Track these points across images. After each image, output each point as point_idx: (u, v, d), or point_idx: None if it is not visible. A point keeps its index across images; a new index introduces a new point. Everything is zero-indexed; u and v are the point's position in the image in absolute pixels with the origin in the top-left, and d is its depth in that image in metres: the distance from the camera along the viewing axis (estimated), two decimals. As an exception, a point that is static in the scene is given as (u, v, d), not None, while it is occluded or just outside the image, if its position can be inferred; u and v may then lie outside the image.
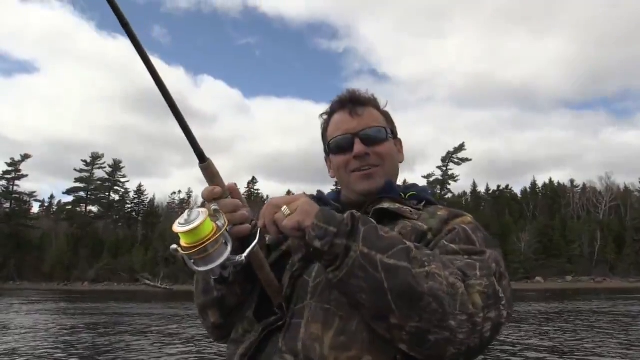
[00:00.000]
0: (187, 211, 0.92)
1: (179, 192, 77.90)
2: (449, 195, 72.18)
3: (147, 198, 79.32)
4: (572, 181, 76.10)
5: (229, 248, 0.96)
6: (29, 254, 68.57)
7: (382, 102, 1.35)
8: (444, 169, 70.94)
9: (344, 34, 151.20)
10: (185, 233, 0.90)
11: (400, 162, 1.36)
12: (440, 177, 70.68)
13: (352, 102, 1.30)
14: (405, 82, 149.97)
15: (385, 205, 1.19)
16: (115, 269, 63.55)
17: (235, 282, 1.15)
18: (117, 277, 62.79)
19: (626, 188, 74.25)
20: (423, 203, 1.25)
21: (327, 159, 1.37)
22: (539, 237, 60.18)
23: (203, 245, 0.91)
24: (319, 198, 1.28)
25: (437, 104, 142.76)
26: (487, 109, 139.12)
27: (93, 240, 68.80)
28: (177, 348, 11.38)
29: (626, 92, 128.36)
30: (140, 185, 79.83)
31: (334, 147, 1.30)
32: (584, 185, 74.97)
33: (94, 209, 77.71)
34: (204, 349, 10.99)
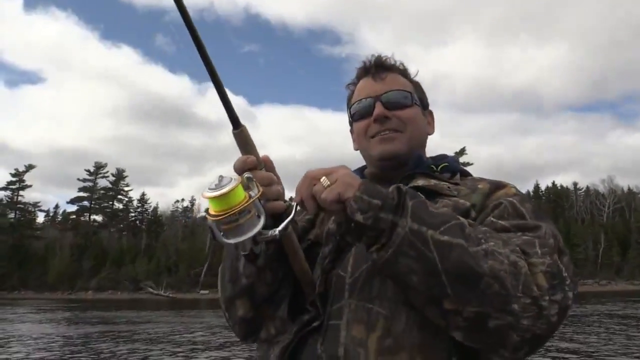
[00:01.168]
0: (218, 176, 0.83)
1: (182, 200, 77.89)
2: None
3: (151, 207, 79.46)
4: (575, 184, 76.05)
5: (262, 221, 0.85)
6: (34, 263, 68.63)
7: (412, 71, 1.26)
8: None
9: (347, 40, 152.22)
10: (215, 199, 0.81)
11: (430, 134, 1.26)
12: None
13: (376, 67, 1.21)
14: None
15: (420, 182, 1.08)
16: (118, 278, 63.51)
17: (265, 268, 1.02)
18: (121, 286, 62.70)
19: (630, 190, 74.12)
20: (457, 175, 1.16)
21: (351, 130, 1.27)
22: (542, 241, 59.95)
23: (233, 212, 0.81)
24: None
25: (439, 110, 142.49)
26: (490, 114, 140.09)
27: (97, 250, 68.82)
28: (184, 355, 11.41)
29: (631, 95, 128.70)
30: (143, 194, 79.97)
31: (355, 113, 1.21)
32: (587, 188, 74.88)
33: (98, 218, 77.88)
34: (211, 356, 11.01)
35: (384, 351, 0.88)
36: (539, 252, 0.87)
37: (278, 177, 0.97)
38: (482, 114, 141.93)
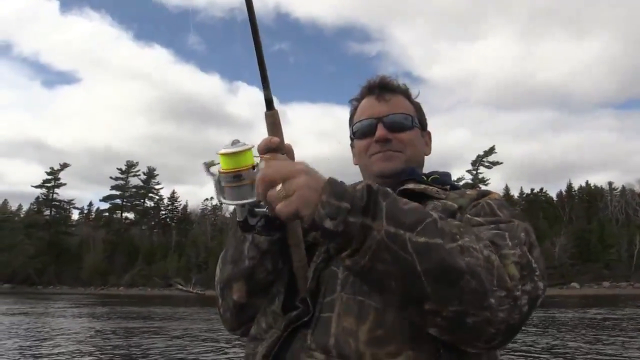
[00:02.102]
0: (234, 139, 0.86)
1: (211, 198, 79.05)
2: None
3: (181, 205, 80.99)
4: (610, 184, 73.80)
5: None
6: (68, 259, 70.87)
7: (414, 93, 1.31)
8: (474, 172, 69.96)
9: (377, 38, 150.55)
10: (226, 155, 0.83)
11: (426, 155, 1.31)
12: (470, 181, 69.66)
13: (380, 88, 1.26)
14: (440, 85, 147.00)
15: (410, 185, 1.13)
16: (149, 275, 65.01)
17: (268, 254, 1.05)
18: (152, 282, 64.19)
19: (667, 190, 71.47)
20: (448, 187, 1.19)
21: (352, 145, 1.33)
22: (574, 242, 58.55)
23: (238, 171, 0.83)
24: None
25: (472, 107, 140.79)
26: (524, 111, 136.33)
27: (128, 247, 70.60)
28: (212, 351, 11.69)
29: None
30: (173, 192, 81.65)
31: (358, 132, 1.26)
32: (623, 187, 72.59)
33: (130, 215, 79.85)
34: (237, 352, 11.26)
35: (373, 341, 0.89)
36: (510, 244, 0.88)
37: None
38: (516, 112, 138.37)
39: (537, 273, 0.87)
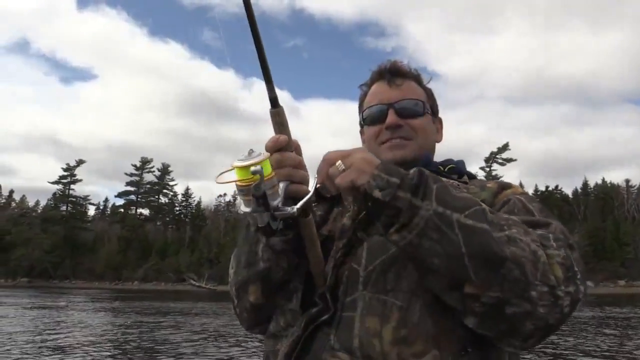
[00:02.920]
0: (249, 149, 0.85)
1: (224, 194, 79.52)
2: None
3: (195, 201, 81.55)
4: (627, 181, 72.68)
5: (281, 197, 0.87)
6: (83, 254, 71.88)
7: (425, 78, 1.27)
8: (487, 169, 69.33)
9: (392, 33, 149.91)
10: (242, 168, 0.82)
11: (438, 142, 1.28)
12: (483, 179, 69.09)
13: (391, 73, 1.22)
14: (456, 80, 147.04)
15: (454, 193, 1.08)
16: (162, 270, 65.65)
17: (282, 253, 1.03)
18: (165, 277, 64.82)
19: (685, 188, 70.20)
20: (465, 177, 1.18)
21: (361, 131, 1.29)
22: (589, 240, 57.81)
23: (257, 184, 0.82)
24: None
25: (488, 102, 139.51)
26: (541, 106, 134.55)
27: (142, 242, 71.35)
28: (226, 345, 11.79)
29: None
30: (187, 189, 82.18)
31: (368, 118, 1.23)
32: (640, 185, 71.42)
33: (145, 211, 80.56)
34: (253, 347, 11.34)
35: (399, 341, 0.87)
36: (554, 244, 0.88)
37: (304, 164, 0.96)
38: (534, 106, 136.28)
39: (578, 276, 0.87)
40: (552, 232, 0.92)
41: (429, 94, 1.26)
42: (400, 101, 1.18)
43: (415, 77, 1.25)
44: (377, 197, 0.82)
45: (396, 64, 1.23)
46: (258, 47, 0.86)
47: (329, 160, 0.89)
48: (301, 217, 0.94)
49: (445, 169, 1.18)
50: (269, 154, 0.88)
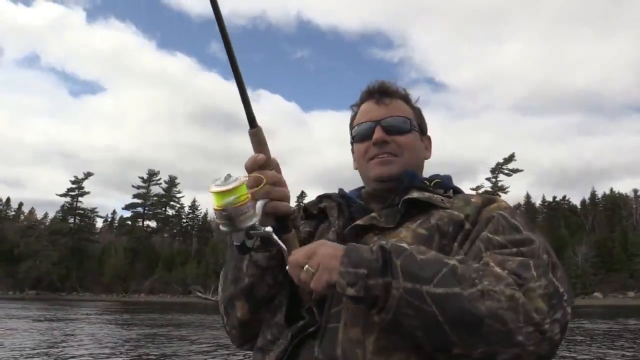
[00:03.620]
0: (226, 174, 0.90)
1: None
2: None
3: (201, 213, 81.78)
4: (635, 191, 72.20)
5: (257, 217, 0.91)
6: (91, 266, 72.15)
7: (413, 98, 1.30)
8: (493, 180, 69.17)
9: (399, 44, 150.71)
10: (218, 193, 0.88)
11: (426, 159, 1.30)
12: (489, 189, 68.88)
13: (379, 92, 1.26)
14: (464, 90, 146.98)
15: (415, 194, 1.12)
16: (169, 282, 65.77)
17: (267, 270, 1.08)
18: (171, 289, 64.91)
19: (694, 198, 69.59)
20: (450, 191, 1.21)
21: (352, 150, 1.33)
22: (597, 251, 57.38)
23: (233, 206, 0.87)
24: (342, 196, 1.23)
25: (497, 112, 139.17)
26: (550, 115, 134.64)
27: (149, 254, 71.58)
28: (235, 358, 11.87)
29: None
30: (194, 201, 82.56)
31: (357, 135, 1.26)
32: (648, 195, 70.87)
33: (152, 223, 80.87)
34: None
35: (380, 351, 0.92)
36: (535, 274, 0.89)
37: (284, 181, 1.00)
38: (542, 116, 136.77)
39: (564, 298, 0.89)
40: (533, 255, 0.93)
41: (417, 113, 1.29)
42: (387, 118, 1.22)
43: (403, 96, 1.28)
44: (352, 294, 0.86)
45: (384, 84, 1.27)
46: (235, 70, 0.89)
47: (296, 264, 0.92)
48: (283, 232, 0.97)
49: (431, 184, 1.20)
50: (245, 178, 0.90)
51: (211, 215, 79.77)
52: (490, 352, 0.83)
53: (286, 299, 1.08)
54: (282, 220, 0.98)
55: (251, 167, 0.95)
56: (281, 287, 1.09)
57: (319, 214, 1.23)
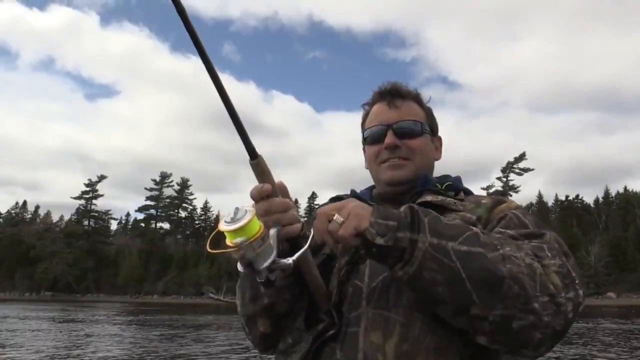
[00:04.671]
0: (234, 208, 0.88)
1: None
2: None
3: (213, 215, 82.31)
4: (649, 189, 71.09)
5: (275, 251, 0.91)
6: (105, 268, 73.04)
7: (425, 98, 1.32)
8: (504, 179, 68.70)
9: (412, 42, 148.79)
10: (230, 232, 0.86)
11: (437, 160, 1.33)
12: (500, 189, 68.40)
13: (391, 94, 1.27)
14: (478, 89, 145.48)
15: (428, 198, 1.15)
16: (182, 283, 66.35)
17: (284, 288, 1.08)
18: (184, 290, 65.47)
19: None
20: (461, 193, 1.23)
21: (363, 149, 1.35)
22: (610, 250, 56.75)
23: (248, 244, 0.86)
24: (354, 196, 1.22)
25: (512, 110, 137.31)
26: (567, 113, 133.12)
27: (162, 255, 72.26)
28: (251, 357, 12.09)
29: None
30: (206, 202, 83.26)
31: (368, 138, 1.28)
32: (662, 193, 69.89)
33: (165, 225, 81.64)
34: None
35: (401, 355, 0.93)
36: (549, 254, 0.93)
37: (292, 201, 1.01)
38: (560, 113, 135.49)
39: (577, 281, 0.92)
40: (546, 242, 0.97)
41: (428, 114, 1.31)
42: (399, 122, 1.24)
43: (414, 97, 1.29)
44: (381, 243, 0.87)
45: (395, 85, 1.29)
46: (227, 105, 0.87)
47: (325, 215, 0.91)
48: (295, 250, 0.97)
49: (443, 187, 1.22)
50: (253, 210, 0.89)
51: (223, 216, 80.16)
52: (507, 315, 0.85)
53: (305, 305, 1.10)
54: (294, 240, 0.99)
55: (258, 197, 0.96)
56: (299, 298, 1.11)
57: None
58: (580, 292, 0.92)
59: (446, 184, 1.23)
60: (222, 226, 0.87)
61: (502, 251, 0.88)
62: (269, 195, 0.96)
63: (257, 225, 0.87)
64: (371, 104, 1.32)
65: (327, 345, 1.00)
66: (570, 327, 0.90)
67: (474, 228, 0.92)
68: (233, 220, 0.86)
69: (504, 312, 0.85)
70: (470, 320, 0.88)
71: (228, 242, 0.87)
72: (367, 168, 1.33)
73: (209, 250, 0.88)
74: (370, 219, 0.88)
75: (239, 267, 0.91)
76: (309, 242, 0.95)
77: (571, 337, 16.82)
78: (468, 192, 1.24)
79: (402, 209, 0.92)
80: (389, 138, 1.22)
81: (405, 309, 0.97)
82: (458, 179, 1.28)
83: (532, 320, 0.85)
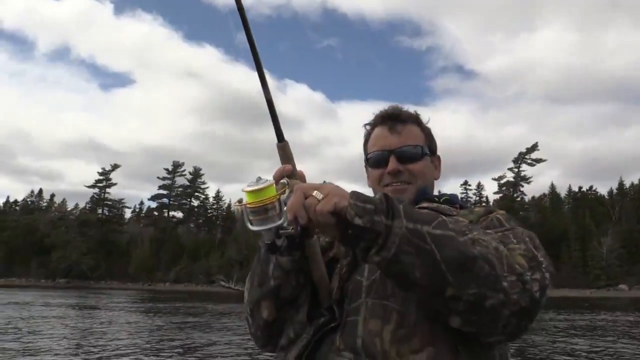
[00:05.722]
0: (257, 177, 0.99)
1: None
2: (523, 198, 69.31)
3: (225, 204, 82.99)
4: (664, 181, 70.10)
5: (284, 217, 0.98)
6: (118, 256, 74.13)
7: (424, 119, 1.38)
8: (516, 170, 68.14)
9: (427, 31, 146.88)
10: (251, 192, 0.97)
11: (436, 179, 1.40)
12: (512, 179, 67.92)
13: (392, 119, 1.34)
14: (494, 79, 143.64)
15: (424, 204, 1.23)
16: (193, 271, 67.11)
17: (291, 272, 1.16)
18: (195, 279, 66.23)
19: None
20: (457, 205, 1.29)
21: (366, 167, 1.41)
22: (623, 242, 56.20)
23: (263, 205, 0.96)
24: None
25: (529, 101, 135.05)
26: (584, 104, 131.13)
27: (174, 244, 73.06)
28: (251, 348, 12.30)
29: None
30: (218, 192, 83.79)
31: (371, 161, 1.35)
32: (677, 185, 68.85)
33: (178, 214, 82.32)
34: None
35: (398, 340, 0.99)
36: (514, 240, 1.01)
37: None
38: (576, 105, 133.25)
39: (543, 265, 0.98)
40: (512, 232, 1.05)
41: (428, 135, 1.38)
42: (401, 147, 1.31)
43: (415, 119, 1.37)
44: (358, 223, 0.89)
45: (396, 110, 1.36)
46: (265, 90, 1.05)
47: (303, 189, 0.95)
48: (305, 237, 1.04)
49: (440, 200, 1.30)
50: (274, 180, 1.03)
51: (235, 208, 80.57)
52: (480, 294, 0.90)
53: (308, 300, 1.16)
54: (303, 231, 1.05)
55: (279, 177, 1.06)
56: (303, 288, 1.18)
57: None
58: (547, 275, 0.97)
59: (444, 198, 1.31)
60: (245, 188, 0.98)
61: (470, 235, 0.94)
62: (289, 175, 1.06)
63: (274, 192, 0.98)
64: (373, 126, 1.39)
65: (327, 336, 1.05)
66: (538, 307, 0.95)
67: (442, 216, 0.96)
68: (254, 184, 0.98)
69: (477, 291, 0.89)
70: (445, 301, 0.92)
71: (247, 202, 0.98)
72: (369, 187, 1.38)
73: (235, 205, 0.98)
74: (350, 200, 0.91)
75: (248, 225, 0.99)
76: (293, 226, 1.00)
77: (583, 329, 16.80)
78: (463, 207, 1.31)
79: (378, 195, 0.95)
80: (392, 164, 1.29)
81: (403, 298, 1.01)
82: (454, 196, 1.34)
83: (502, 299, 0.90)
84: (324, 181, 1.32)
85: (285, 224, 0.98)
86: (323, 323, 1.07)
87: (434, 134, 1.41)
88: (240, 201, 1.00)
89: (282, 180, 1.05)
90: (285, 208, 0.98)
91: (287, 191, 1.01)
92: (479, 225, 1.11)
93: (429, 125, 1.40)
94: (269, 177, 1.02)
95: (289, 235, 1.00)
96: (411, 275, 0.90)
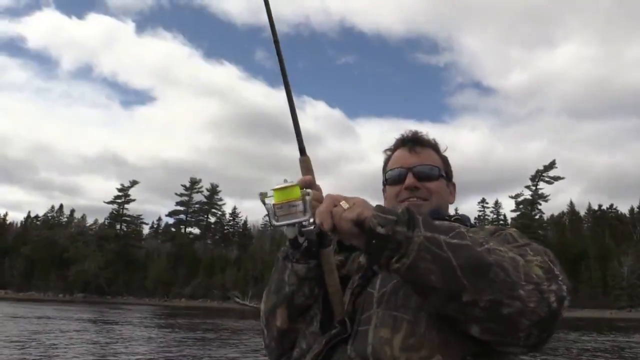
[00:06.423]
0: (284, 179, 1.08)
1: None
2: (542, 216, 68.30)
3: (242, 220, 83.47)
4: (686, 200, 68.47)
5: (307, 216, 1.08)
6: (135, 271, 74.71)
7: (442, 147, 1.46)
8: (533, 188, 67.31)
9: (445, 47, 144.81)
10: (278, 190, 1.06)
11: (451, 203, 1.45)
12: (529, 197, 67.06)
13: (412, 142, 1.42)
14: (513, 94, 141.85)
15: (437, 222, 1.26)
16: (209, 287, 67.32)
17: (305, 280, 1.21)
18: (211, 295, 66.36)
19: None
20: (468, 225, 1.33)
21: (383, 189, 1.46)
22: (645, 262, 54.82)
23: (288, 201, 1.06)
24: None
25: (549, 117, 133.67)
26: (605, 119, 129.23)
27: (190, 260, 73.46)
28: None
29: None
30: (234, 208, 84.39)
31: (389, 179, 1.41)
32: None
33: (195, 230, 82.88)
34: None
35: (408, 348, 1.02)
36: (531, 253, 1.04)
37: None
38: (599, 119, 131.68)
39: (560, 278, 0.99)
40: (529, 246, 1.08)
41: (445, 161, 1.46)
42: (419, 166, 1.38)
43: (433, 146, 1.45)
44: (381, 232, 0.95)
45: (416, 134, 1.45)
46: (292, 108, 1.19)
47: (332, 199, 1.03)
48: (321, 247, 1.15)
49: (452, 219, 1.33)
50: (300, 183, 1.12)
51: (253, 222, 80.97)
52: (496, 300, 0.92)
53: (320, 311, 1.21)
54: (322, 234, 1.14)
55: (302, 185, 1.13)
56: (316, 298, 1.23)
57: (352, 247, 1.32)
58: (564, 287, 0.98)
59: (455, 217, 1.37)
60: (273, 187, 1.07)
61: (487, 246, 0.97)
62: (309, 185, 1.15)
63: (299, 193, 1.07)
64: (393, 150, 1.47)
65: (339, 346, 1.09)
66: (556, 318, 0.95)
67: (461, 227, 1.01)
68: (282, 184, 1.07)
69: (493, 297, 0.92)
70: (462, 307, 0.94)
71: (274, 200, 1.07)
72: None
73: (260, 195, 1.08)
74: (373, 211, 0.98)
75: (272, 221, 1.07)
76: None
77: (602, 351, 16.50)
78: (474, 226, 1.36)
79: (400, 209, 1.00)
80: (410, 179, 1.36)
81: (413, 309, 1.05)
82: (466, 217, 1.41)
83: (519, 307, 0.92)
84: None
85: (308, 222, 1.07)
86: (335, 334, 1.12)
87: (450, 163, 1.49)
88: (265, 194, 1.08)
89: (305, 190, 1.12)
90: (308, 206, 1.07)
91: (310, 195, 1.09)
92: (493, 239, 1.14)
93: (446, 154, 1.48)
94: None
95: (309, 236, 1.09)
96: (427, 279, 0.94)
